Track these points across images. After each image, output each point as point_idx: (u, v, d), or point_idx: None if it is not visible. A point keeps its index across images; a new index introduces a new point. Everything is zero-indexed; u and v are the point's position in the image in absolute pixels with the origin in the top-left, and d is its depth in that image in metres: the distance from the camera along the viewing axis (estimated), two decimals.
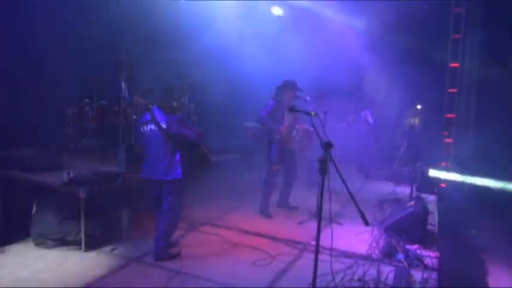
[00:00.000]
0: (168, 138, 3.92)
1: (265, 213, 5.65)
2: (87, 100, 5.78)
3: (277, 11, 9.58)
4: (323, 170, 2.80)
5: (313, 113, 2.97)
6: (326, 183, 2.93)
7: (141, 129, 4.07)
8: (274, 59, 7.44)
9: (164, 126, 3.91)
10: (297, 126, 5.63)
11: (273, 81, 5.65)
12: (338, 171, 2.78)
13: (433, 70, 8.76)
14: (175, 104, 4.09)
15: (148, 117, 4.02)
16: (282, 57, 7.67)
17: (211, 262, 4.13)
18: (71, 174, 4.26)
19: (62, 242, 4.20)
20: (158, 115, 3.98)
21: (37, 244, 4.22)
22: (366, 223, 2.73)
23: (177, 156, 3.97)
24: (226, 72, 7.43)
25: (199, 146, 4.15)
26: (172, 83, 5.20)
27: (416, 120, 9.64)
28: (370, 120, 8.32)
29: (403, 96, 8.96)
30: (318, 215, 3.02)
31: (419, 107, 9.57)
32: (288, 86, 5.49)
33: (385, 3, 8.08)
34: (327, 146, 2.77)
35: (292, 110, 3.01)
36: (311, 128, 5.57)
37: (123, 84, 6.26)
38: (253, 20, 7.89)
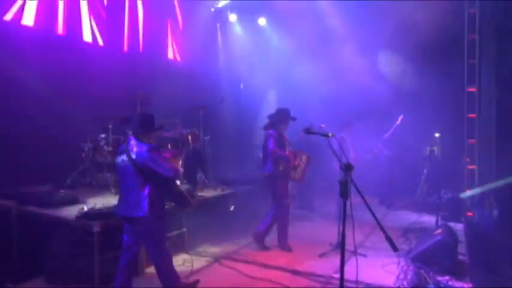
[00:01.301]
0: (136, 169, 3.49)
1: (285, 247, 5.42)
2: (102, 135, 5.81)
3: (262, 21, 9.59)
4: (345, 193, 2.65)
5: (330, 134, 2.86)
6: (348, 211, 2.77)
7: (116, 160, 3.72)
8: (282, 87, 7.48)
9: (133, 156, 3.51)
10: (301, 154, 5.51)
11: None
12: (360, 193, 2.62)
13: (450, 95, 8.61)
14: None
15: (123, 147, 3.71)
16: (292, 84, 7.70)
17: None
18: (85, 209, 4.20)
19: (74, 278, 4.07)
20: (131, 145, 3.59)
21: (49, 281, 4.09)
22: (395, 249, 2.53)
23: (146, 190, 3.47)
24: (238, 103, 7.46)
25: (173, 182, 3.75)
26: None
27: (436, 148, 9.39)
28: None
29: (421, 123, 8.78)
30: (341, 243, 2.84)
31: (437, 135, 9.36)
32: (284, 115, 5.38)
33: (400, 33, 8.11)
34: (347, 168, 2.64)
35: (308, 132, 2.91)
36: (309, 156, 5.53)
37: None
38: (262, 49, 8.03)
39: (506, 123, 8.38)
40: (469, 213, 7.71)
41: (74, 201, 4.77)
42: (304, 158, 5.50)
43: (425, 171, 8.60)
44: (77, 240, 4.18)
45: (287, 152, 5.35)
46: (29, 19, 5.54)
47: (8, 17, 5.30)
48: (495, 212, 7.21)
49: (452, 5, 7.88)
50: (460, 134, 8.70)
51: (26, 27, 5.51)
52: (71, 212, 4.30)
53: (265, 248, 5.43)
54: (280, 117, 5.38)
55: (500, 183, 6.98)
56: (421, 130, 9.04)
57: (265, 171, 5.40)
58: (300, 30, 8.48)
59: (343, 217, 2.80)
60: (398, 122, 8.25)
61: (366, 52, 8.61)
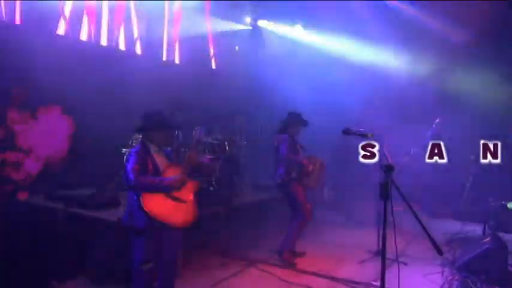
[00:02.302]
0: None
1: (283, 255, 5.09)
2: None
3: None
4: (385, 195, 2.57)
5: (370, 135, 2.80)
6: (390, 217, 2.67)
7: None
8: (317, 90, 7.44)
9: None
10: (313, 159, 5.20)
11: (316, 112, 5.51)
12: (402, 195, 2.53)
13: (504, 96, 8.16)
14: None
15: None
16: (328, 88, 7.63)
17: None
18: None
19: (114, 277, 4.18)
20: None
21: (92, 280, 4.23)
22: (440, 252, 2.42)
23: (134, 197, 3.15)
24: (275, 108, 7.48)
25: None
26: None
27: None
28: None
29: (467, 128, 8.38)
30: (382, 249, 2.74)
31: (483, 141, 8.91)
32: (295, 119, 5.22)
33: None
34: (388, 168, 2.57)
35: (347, 132, 2.85)
36: (324, 161, 5.30)
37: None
38: (298, 54, 8.01)
39: None
40: None
41: (116, 203, 4.93)
42: (318, 163, 5.20)
43: (470, 178, 8.20)
44: (119, 241, 4.31)
45: (300, 157, 5.12)
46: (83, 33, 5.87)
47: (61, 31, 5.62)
48: None
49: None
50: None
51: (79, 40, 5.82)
52: (113, 214, 4.45)
53: (298, 255, 5.24)
54: (292, 121, 5.21)
55: None
56: (467, 135, 8.63)
57: (277, 180, 5.12)
58: (336, 31, 8.42)
59: (384, 221, 2.72)
60: (434, 126, 7.90)
61: (405, 52, 8.37)
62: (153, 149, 3.33)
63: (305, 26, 8.93)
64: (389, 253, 2.97)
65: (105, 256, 4.24)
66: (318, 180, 5.28)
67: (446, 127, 7.88)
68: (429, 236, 2.45)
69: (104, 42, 6.18)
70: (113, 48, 6.32)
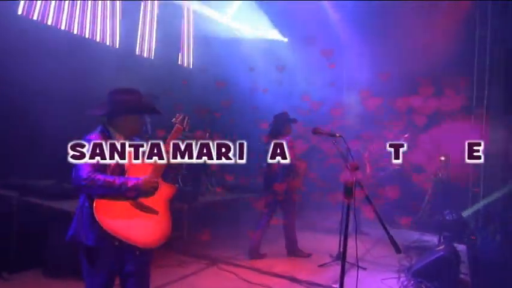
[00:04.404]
0: None
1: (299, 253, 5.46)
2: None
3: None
4: (349, 194, 2.62)
5: (338, 135, 2.86)
6: (352, 221, 2.73)
7: None
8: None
9: None
10: (299, 161, 5.50)
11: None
12: (368, 198, 2.58)
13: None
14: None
15: None
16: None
17: None
18: None
19: (70, 271, 4.03)
20: None
21: (45, 273, 4.06)
22: (398, 250, 2.48)
23: (86, 203, 2.44)
24: (247, 108, 7.51)
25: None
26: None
27: (440, 170, 9.32)
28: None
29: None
30: (343, 250, 2.78)
31: (443, 158, 9.30)
32: (283, 120, 5.39)
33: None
34: (353, 168, 2.62)
35: (316, 132, 2.90)
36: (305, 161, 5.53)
37: (146, 119, 6.31)
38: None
39: None
40: (472, 237, 7.62)
41: (75, 196, 4.75)
42: (303, 165, 5.52)
43: (429, 190, 8.53)
44: None
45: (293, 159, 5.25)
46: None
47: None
48: (498, 237, 7.11)
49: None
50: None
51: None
52: (71, 205, 4.28)
53: (260, 256, 5.31)
54: (281, 123, 5.38)
55: (498, 194, 6.93)
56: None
57: (277, 180, 5.21)
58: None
59: (346, 221, 2.77)
60: (402, 139, 8.19)
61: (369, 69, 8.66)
62: (117, 138, 2.53)
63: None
64: (350, 257, 3.04)
65: (60, 248, 4.07)
66: (302, 181, 5.56)
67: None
68: (388, 233, 2.51)
69: (75, 30, 6.00)
70: (85, 37, 6.15)
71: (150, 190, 2.45)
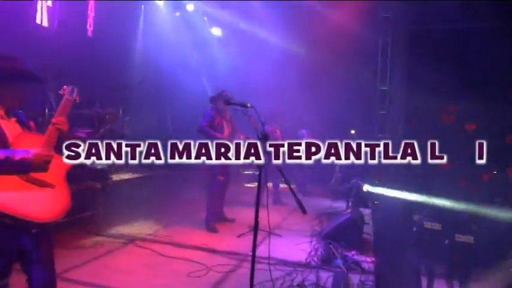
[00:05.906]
0: None
1: (211, 228, 5.43)
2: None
3: (217, 32, 9.78)
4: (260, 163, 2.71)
5: (249, 105, 2.92)
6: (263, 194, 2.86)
7: None
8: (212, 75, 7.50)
9: None
10: (239, 135, 5.57)
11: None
12: (280, 170, 2.70)
13: (364, 92, 9.29)
14: None
15: None
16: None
17: (142, 276, 3.82)
18: None
19: None
20: None
21: None
22: (304, 211, 2.67)
23: None
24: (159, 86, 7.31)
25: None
26: None
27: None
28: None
29: (338, 119, 9.34)
30: (255, 218, 2.89)
31: (353, 131, 10.00)
32: (217, 94, 5.48)
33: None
34: (264, 137, 2.71)
35: (227, 102, 2.93)
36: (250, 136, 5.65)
37: (50, 94, 5.82)
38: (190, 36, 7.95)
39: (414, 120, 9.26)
40: (376, 202, 8.39)
41: None
42: (242, 139, 5.52)
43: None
44: None
45: (224, 133, 5.39)
46: None
47: None
48: (398, 201, 7.92)
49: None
50: (373, 130, 9.42)
51: None
52: None
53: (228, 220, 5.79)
54: (215, 96, 5.46)
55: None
56: (338, 126, 9.63)
57: None
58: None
59: (258, 187, 2.87)
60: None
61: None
62: None
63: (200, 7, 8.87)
64: (265, 227, 3.15)
65: None
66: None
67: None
68: (295, 196, 2.67)
69: None
70: None
71: (41, 163, 2.16)
